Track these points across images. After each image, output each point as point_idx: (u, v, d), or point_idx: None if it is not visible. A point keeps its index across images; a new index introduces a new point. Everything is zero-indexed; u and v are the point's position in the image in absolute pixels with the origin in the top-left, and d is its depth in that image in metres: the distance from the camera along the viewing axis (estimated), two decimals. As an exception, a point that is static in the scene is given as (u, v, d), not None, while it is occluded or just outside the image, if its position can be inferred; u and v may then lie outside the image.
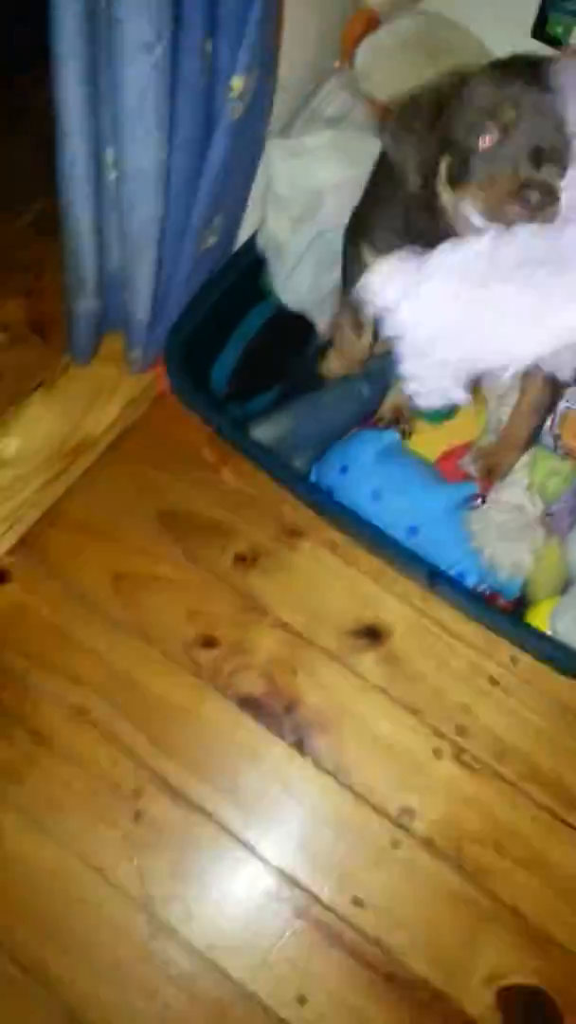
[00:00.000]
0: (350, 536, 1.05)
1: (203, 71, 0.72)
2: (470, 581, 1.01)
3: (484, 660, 1.04)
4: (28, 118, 1.28)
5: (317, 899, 0.94)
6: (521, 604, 1.01)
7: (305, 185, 0.95)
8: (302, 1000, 0.91)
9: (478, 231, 0.66)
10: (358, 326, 0.98)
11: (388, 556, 1.01)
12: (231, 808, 0.98)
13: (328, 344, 1.07)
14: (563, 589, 0.98)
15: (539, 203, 0.60)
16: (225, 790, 0.98)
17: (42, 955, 0.90)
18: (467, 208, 0.67)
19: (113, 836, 0.95)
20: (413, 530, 1.00)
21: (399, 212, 0.82)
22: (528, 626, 0.95)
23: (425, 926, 0.94)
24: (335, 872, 0.96)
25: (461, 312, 0.48)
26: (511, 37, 1.00)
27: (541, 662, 0.98)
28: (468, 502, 1.01)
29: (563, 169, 0.64)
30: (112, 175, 0.78)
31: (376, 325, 0.93)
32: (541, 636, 0.93)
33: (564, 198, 0.60)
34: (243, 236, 1.04)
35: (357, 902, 0.94)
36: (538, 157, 0.62)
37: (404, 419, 1.07)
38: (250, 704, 1.02)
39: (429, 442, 1.09)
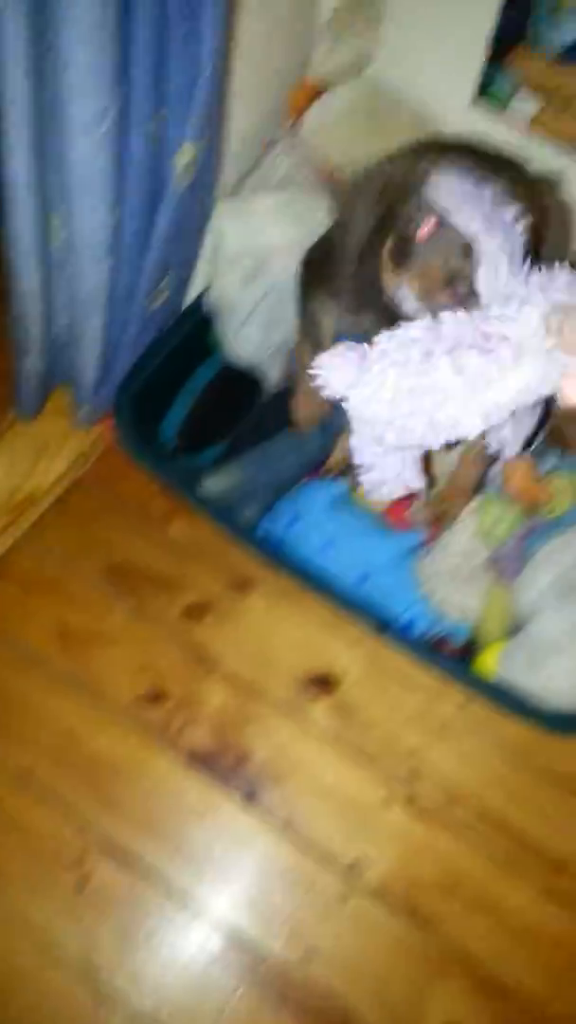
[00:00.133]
0: (301, 585, 1.06)
1: (150, 146, 0.73)
2: (420, 626, 1.03)
3: (435, 704, 1.06)
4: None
5: (267, 956, 0.93)
6: (470, 648, 1.03)
7: (254, 245, 0.97)
8: (254, 1062, 0.89)
9: (413, 312, 0.70)
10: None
11: (338, 605, 1.02)
12: (179, 867, 0.97)
13: (290, 391, 1.08)
14: (511, 632, 1.01)
15: (466, 293, 0.65)
16: (173, 848, 0.97)
17: (-15, 1030, 0.87)
18: (404, 291, 0.72)
19: (56, 905, 0.93)
20: (363, 578, 1.02)
21: (349, 269, 0.85)
22: (476, 672, 0.97)
23: (377, 977, 0.94)
24: (286, 927, 0.95)
25: (403, 399, 0.51)
26: (454, 103, 1.05)
27: (491, 705, 1.00)
28: (417, 549, 1.03)
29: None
30: (59, 241, 0.79)
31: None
32: (489, 681, 0.95)
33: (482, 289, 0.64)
34: (193, 293, 1.05)
35: (307, 957, 0.94)
36: (467, 251, 0.67)
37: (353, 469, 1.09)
38: (199, 759, 1.01)
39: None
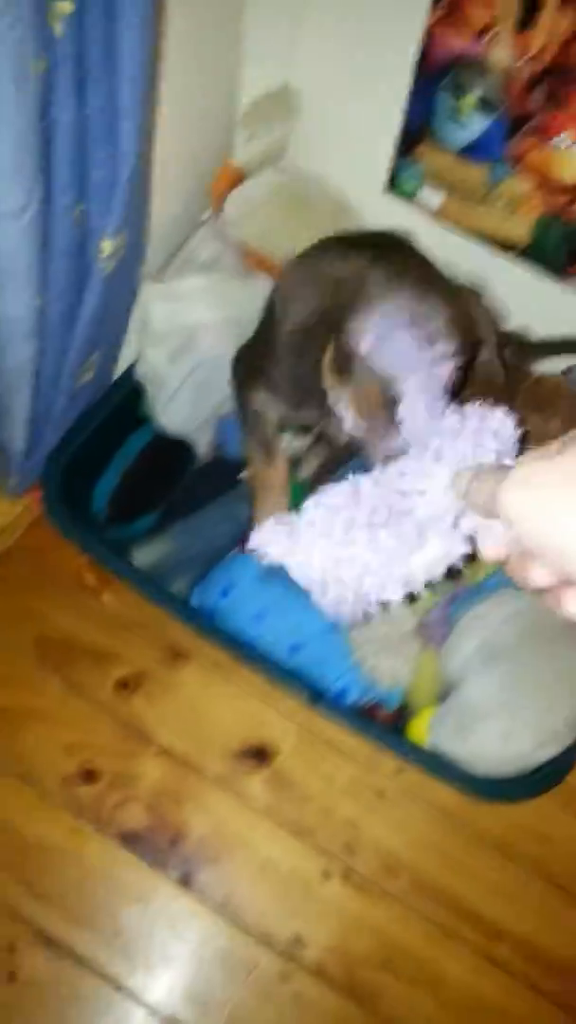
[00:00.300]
0: (233, 657, 1.06)
1: (74, 233, 0.75)
2: (353, 694, 1.03)
3: (369, 773, 1.06)
4: None
5: (207, 1048, 0.90)
6: (403, 714, 1.04)
7: (180, 323, 0.99)
8: None
9: (352, 429, 0.70)
10: (269, 453, 0.97)
11: (271, 676, 1.02)
12: (114, 954, 0.93)
13: (220, 461, 1.09)
14: (441, 697, 1.02)
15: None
16: (107, 936, 0.94)
17: None
18: (343, 404, 0.71)
19: (-16, 1003, 0.88)
20: (295, 648, 1.02)
21: (287, 369, 0.86)
22: (408, 738, 0.98)
23: (319, 1061, 0.92)
24: (224, 1012, 0.93)
25: (331, 569, 0.52)
26: (366, 192, 1.10)
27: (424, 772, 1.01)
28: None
29: None
30: (-16, 320, 0.79)
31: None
32: (420, 748, 0.95)
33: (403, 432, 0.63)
34: (122, 365, 1.06)
35: (248, 1045, 0.91)
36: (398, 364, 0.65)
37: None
38: (133, 840, 0.98)
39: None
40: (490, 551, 0.42)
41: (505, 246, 1.05)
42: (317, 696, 0.96)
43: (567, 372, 1.09)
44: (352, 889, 1.00)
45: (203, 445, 1.11)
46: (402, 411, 0.58)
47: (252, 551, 0.54)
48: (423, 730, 0.99)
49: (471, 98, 0.93)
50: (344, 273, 0.74)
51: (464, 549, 0.50)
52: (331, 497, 0.53)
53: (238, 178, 1.05)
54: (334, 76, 1.02)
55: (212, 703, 1.07)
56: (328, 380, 0.75)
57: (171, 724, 1.05)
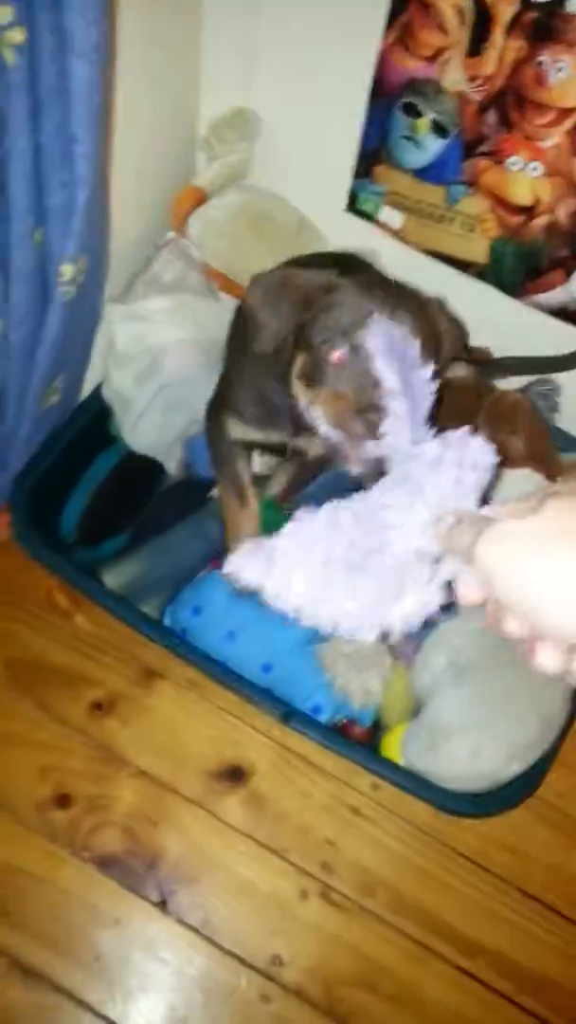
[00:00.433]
0: (207, 676, 1.06)
1: (34, 258, 0.75)
2: (326, 712, 1.03)
3: (345, 790, 1.06)
4: None
5: (186, 1074, 0.89)
6: (376, 731, 1.04)
7: (146, 344, 0.99)
8: None
9: (326, 433, 0.70)
10: (242, 496, 0.98)
11: (244, 695, 1.01)
12: (92, 982, 0.92)
13: (189, 481, 1.09)
14: (413, 713, 1.02)
15: (378, 423, 0.60)
16: (85, 963, 0.93)
17: None
18: (316, 413, 0.72)
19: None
20: (267, 667, 1.02)
21: (255, 390, 0.87)
22: (381, 755, 0.98)
23: None
24: (205, 1037, 0.92)
25: (309, 602, 0.52)
26: (328, 212, 1.12)
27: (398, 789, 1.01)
28: (318, 635, 1.05)
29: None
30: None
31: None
32: (393, 765, 0.95)
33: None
34: (88, 387, 1.06)
35: (228, 1069, 0.90)
36: (379, 383, 0.63)
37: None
38: (110, 864, 0.97)
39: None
40: (468, 594, 0.42)
41: (464, 265, 1.06)
42: (290, 714, 0.96)
43: (525, 390, 1.11)
44: (330, 907, 0.99)
45: (172, 465, 1.11)
46: (387, 430, 0.57)
47: (227, 576, 0.53)
48: (396, 747, 0.99)
49: (425, 120, 0.95)
50: (313, 286, 0.75)
51: (441, 600, 0.50)
52: (310, 527, 0.52)
53: (200, 199, 1.06)
54: (292, 99, 1.04)
55: (186, 723, 1.07)
56: (298, 389, 0.76)
57: (146, 745, 1.04)
